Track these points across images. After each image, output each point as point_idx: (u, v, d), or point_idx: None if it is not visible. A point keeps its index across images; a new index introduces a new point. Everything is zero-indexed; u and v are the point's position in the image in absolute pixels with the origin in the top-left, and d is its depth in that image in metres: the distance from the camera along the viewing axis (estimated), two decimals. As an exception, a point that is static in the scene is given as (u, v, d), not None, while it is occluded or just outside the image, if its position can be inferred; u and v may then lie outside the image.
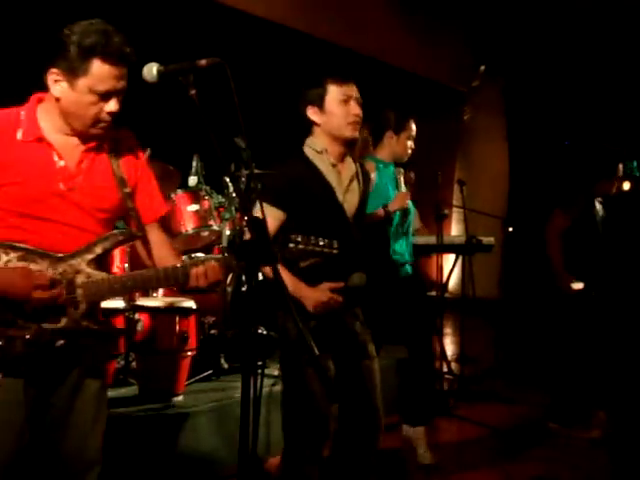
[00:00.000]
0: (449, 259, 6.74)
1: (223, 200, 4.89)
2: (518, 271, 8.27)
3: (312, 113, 2.95)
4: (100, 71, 2.10)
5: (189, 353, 4.14)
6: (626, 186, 7.11)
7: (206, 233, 4.81)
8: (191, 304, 4.20)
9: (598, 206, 4.93)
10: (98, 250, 2.21)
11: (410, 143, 4.20)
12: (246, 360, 2.13)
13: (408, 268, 4.28)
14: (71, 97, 2.14)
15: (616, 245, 4.95)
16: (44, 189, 2.17)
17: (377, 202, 4.04)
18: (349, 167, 3.03)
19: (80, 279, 2.17)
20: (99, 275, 2.19)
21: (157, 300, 4.29)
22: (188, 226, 4.65)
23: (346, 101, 2.91)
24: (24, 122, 2.19)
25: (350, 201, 2.99)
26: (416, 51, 7.31)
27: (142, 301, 4.20)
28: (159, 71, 2.10)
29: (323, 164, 2.94)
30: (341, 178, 2.98)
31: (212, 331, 4.84)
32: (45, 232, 2.18)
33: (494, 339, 6.76)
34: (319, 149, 2.95)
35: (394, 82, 7.15)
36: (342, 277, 2.92)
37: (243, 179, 4.70)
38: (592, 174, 4.93)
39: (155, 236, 2.39)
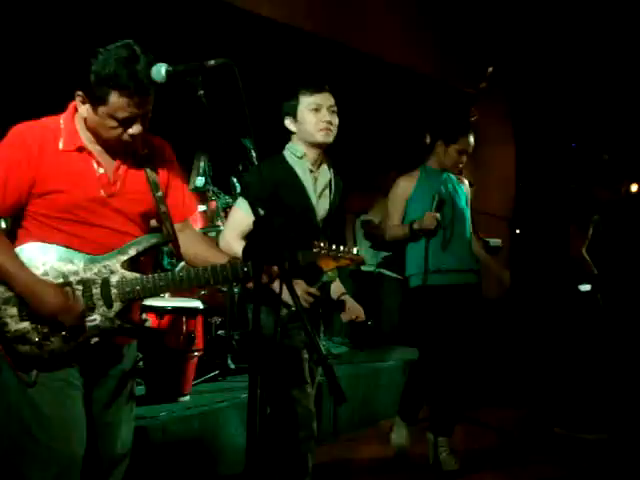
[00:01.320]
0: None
1: (230, 200, 4.90)
2: (525, 273, 8.25)
3: (289, 123, 3.13)
4: (118, 102, 2.15)
5: (196, 353, 4.15)
6: (634, 188, 7.10)
7: (213, 234, 4.82)
8: (198, 304, 4.21)
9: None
10: (132, 252, 2.28)
11: (461, 157, 4.20)
12: (253, 361, 2.14)
13: (468, 276, 4.25)
14: (94, 119, 2.21)
15: (620, 247, 4.96)
16: (86, 197, 2.24)
17: (416, 210, 4.12)
18: (324, 174, 3.17)
19: (114, 279, 2.24)
20: (132, 275, 2.26)
21: (164, 300, 4.30)
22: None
23: (317, 109, 3.06)
24: (64, 131, 2.25)
25: (321, 206, 3.13)
26: (423, 52, 7.30)
27: (150, 301, 4.20)
28: (167, 72, 2.11)
29: (301, 169, 3.10)
30: (316, 184, 3.13)
31: (219, 332, 4.85)
32: (86, 236, 2.25)
33: (500, 340, 6.75)
34: (299, 154, 3.11)
35: (401, 83, 7.14)
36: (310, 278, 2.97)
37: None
38: (592, 180, 4.96)
39: (186, 235, 2.47)
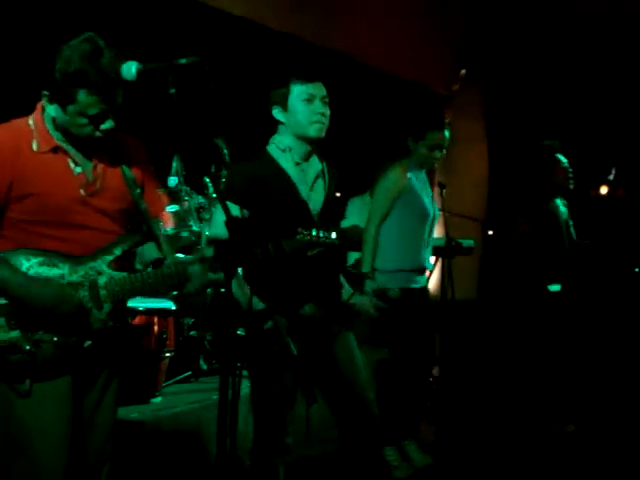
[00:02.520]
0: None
1: (203, 201, 4.87)
2: (497, 273, 8.31)
3: (277, 113, 2.99)
4: (87, 100, 2.12)
5: (168, 354, 4.13)
6: (603, 190, 7.19)
7: (185, 234, 4.79)
8: (170, 305, 4.18)
9: (562, 208, 5.01)
10: (117, 251, 2.26)
11: (433, 153, 4.15)
12: (224, 361, 2.13)
13: (424, 279, 4.31)
14: (64, 118, 2.17)
15: (584, 246, 5.02)
16: (66, 197, 2.21)
17: (405, 205, 4.08)
18: (314, 165, 3.06)
19: (102, 280, 2.21)
20: (119, 275, 2.23)
21: (136, 301, 4.26)
22: (167, 227, 4.62)
23: (310, 100, 2.93)
24: (36, 132, 2.22)
25: (315, 199, 3.02)
26: (397, 53, 7.32)
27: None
28: (138, 70, 2.09)
29: (286, 162, 2.97)
30: (306, 176, 3.01)
31: (191, 332, 4.83)
32: (70, 237, 2.22)
33: (472, 341, 6.80)
34: (282, 147, 2.98)
35: (375, 84, 7.16)
36: (315, 270, 2.93)
37: (223, 179, 4.71)
38: (549, 175, 4.99)
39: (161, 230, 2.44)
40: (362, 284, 4.04)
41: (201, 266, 2.23)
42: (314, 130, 2.94)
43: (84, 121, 2.15)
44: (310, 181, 3.01)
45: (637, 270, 6.02)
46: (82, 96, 2.11)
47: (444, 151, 4.19)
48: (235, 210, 2.86)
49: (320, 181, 3.06)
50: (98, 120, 2.16)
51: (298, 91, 2.93)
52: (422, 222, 4.11)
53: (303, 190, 2.98)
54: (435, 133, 4.12)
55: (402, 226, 4.08)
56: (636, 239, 6.91)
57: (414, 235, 4.08)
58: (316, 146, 3.04)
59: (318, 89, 2.95)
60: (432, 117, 4.43)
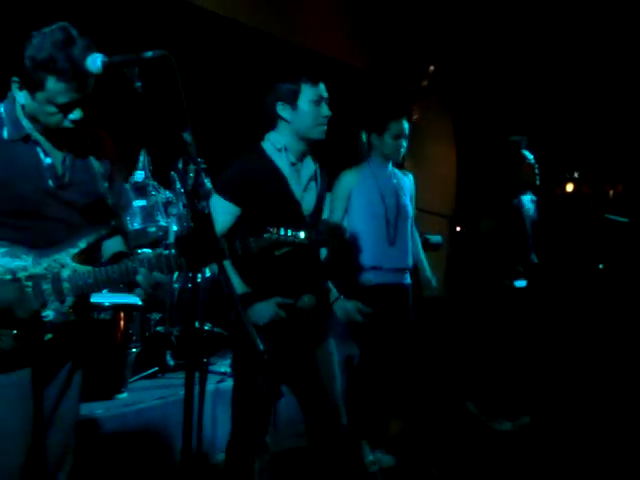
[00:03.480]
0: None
1: (171, 195, 4.84)
2: (464, 270, 8.37)
3: (282, 109, 2.94)
4: (56, 87, 2.09)
5: (134, 350, 4.10)
6: (569, 188, 7.28)
7: (153, 229, 4.76)
8: (136, 300, 4.14)
9: (529, 205, 5.06)
10: (82, 244, 2.23)
11: (399, 142, 4.15)
12: (190, 357, 2.12)
13: (405, 276, 4.27)
14: (33, 105, 2.15)
15: (549, 243, 5.08)
16: (34, 187, 2.18)
17: (359, 206, 4.10)
18: (309, 166, 3.05)
19: (66, 273, 2.18)
20: (84, 268, 2.20)
21: (102, 296, 4.22)
22: (134, 222, 4.59)
23: (318, 102, 2.93)
24: (7, 120, 2.19)
25: (308, 200, 3.01)
26: (366, 49, 7.34)
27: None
28: (103, 62, 2.07)
29: (281, 161, 2.95)
30: (300, 176, 2.99)
31: (158, 328, 4.80)
32: (35, 229, 2.19)
33: (439, 336, 6.85)
34: (279, 146, 2.95)
35: (343, 80, 7.17)
36: (302, 273, 2.94)
37: (191, 174, 4.68)
38: (516, 171, 5.03)
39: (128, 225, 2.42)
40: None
41: (146, 266, 2.20)
42: (318, 132, 2.94)
43: (53, 109, 2.12)
44: (304, 182, 3.00)
45: (601, 267, 6.12)
46: (51, 83, 2.08)
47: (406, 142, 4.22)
48: (223, 205, 2.84)
49: (313, 183, 3.05)
50: (67, 109, 2.14)
51: (309, 92, 2.91)
52: (375, 219, 4.12)
53: (297, 190, 2.96)
54: (397, 122, 4.16)
55: (350, 225, 4.13)
56: (600, 236, 7.01)
57: (367, 233, 4.10)
58: (312, 147, 3.03)
59: (324, 91, 2.96)
60: (392, 108, 4.45)
